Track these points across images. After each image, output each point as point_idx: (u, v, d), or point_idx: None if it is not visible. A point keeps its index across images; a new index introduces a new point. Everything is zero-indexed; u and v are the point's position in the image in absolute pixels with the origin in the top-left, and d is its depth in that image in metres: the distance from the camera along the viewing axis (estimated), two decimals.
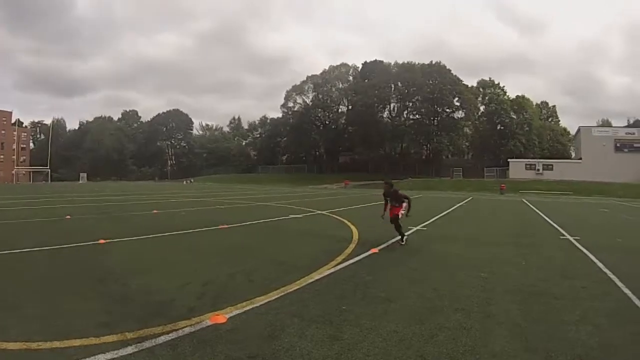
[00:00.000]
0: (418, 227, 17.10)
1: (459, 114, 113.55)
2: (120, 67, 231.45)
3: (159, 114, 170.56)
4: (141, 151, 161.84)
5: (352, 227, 17.20)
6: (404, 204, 13.66)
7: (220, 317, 6.09)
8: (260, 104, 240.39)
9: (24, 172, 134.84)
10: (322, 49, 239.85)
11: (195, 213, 24.54)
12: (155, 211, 24.54)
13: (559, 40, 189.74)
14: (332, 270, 9.38)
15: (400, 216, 13.42)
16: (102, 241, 12.86)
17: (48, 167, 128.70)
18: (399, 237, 13.47)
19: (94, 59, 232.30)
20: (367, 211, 26.38)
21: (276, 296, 7.22)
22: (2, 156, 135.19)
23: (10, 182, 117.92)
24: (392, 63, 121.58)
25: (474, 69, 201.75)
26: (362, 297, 7.35)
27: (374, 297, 7.40)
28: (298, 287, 7.86)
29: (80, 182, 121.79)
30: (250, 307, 6.63)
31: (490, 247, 13.53)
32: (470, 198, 46.19)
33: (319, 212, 24.84)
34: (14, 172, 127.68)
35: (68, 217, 20.80)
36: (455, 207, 31.77)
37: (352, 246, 12.52)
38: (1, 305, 6.73)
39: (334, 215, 22.62)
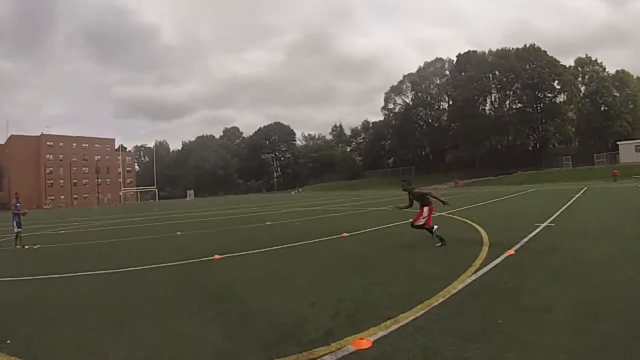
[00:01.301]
0: (546, 223, 15.82)
1: (561, 98, 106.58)
2: (213, 88, 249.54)
3: (260, 128, 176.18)
4: (246, 165, 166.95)
5: (479, 227, 15.93)
6: (425, 208, 12.89)
7: (364, 340, 5.26)
8: (358, 109, 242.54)
9: (131, 193, 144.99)
10: (410, 47, 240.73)
11: (311, 222, 23.81)
12: (268, 223, 24.36)
13: None
14: (473, 278, 8.35)
15: (419, 223, 12.83)
16: (216, 256, 12.51)
17: (154, 187, 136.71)
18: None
19: (186, 82, 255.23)
20: (488, 210, 25.30)
21: (421, 312, 6.31)
22: (109, 179, 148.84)
23: (118, 203, 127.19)
24: (487, 52, 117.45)
25: (564, 50, 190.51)
26: (514, 307, 6.40)
27: (526, 306, 6.46)
28: (442, 299, 6.93)
29: (188, 198, 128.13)
30: (396, 326, 5.78)
31: (623, 241, 11.91)
32: (585, 188, 42.86)
33: (438, 213, 23.32)
34: (121, 193, 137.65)
35: (179, 233, 21.17)
36: (574, 199, 29.33)
37: (485, 249, 11.39)
38: (108, 327, 6.46)
39: (455, 217, 21.18)
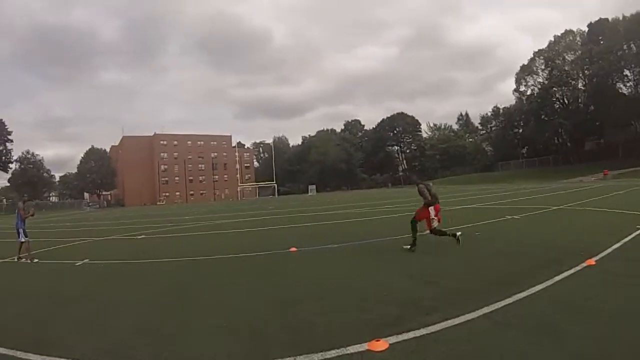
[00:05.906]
0: None
1: None
2: (330, 85, 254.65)
3: (383, 119, 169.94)
4: (370, 159, 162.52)
5: None
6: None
7: None
8: (477, 99, 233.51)
9: (249, 189, 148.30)
10: (521, 31, 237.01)
11: (495, 230, 15.98)
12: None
13: None
14: None
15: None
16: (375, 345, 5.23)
17: (274, 182, 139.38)
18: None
19: (302, 81, 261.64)
20: None
21: None
22: (226, 176, 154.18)
23: (235, 199, 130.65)
24: (620, 18, 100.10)
25: None
26: None
27: None
28: None
29: (310, 194, 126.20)
30: None
31: None
32: None
33: None
34: (239, 189, 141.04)
35: (293, 249, 13.84)
36: None
37: None
38: None
39: None
